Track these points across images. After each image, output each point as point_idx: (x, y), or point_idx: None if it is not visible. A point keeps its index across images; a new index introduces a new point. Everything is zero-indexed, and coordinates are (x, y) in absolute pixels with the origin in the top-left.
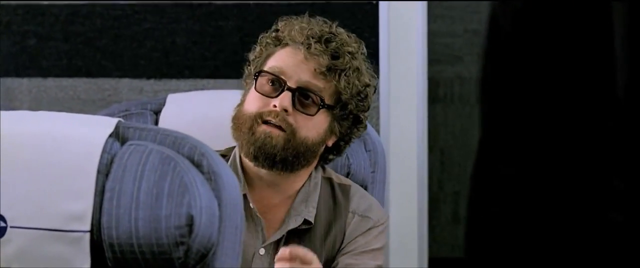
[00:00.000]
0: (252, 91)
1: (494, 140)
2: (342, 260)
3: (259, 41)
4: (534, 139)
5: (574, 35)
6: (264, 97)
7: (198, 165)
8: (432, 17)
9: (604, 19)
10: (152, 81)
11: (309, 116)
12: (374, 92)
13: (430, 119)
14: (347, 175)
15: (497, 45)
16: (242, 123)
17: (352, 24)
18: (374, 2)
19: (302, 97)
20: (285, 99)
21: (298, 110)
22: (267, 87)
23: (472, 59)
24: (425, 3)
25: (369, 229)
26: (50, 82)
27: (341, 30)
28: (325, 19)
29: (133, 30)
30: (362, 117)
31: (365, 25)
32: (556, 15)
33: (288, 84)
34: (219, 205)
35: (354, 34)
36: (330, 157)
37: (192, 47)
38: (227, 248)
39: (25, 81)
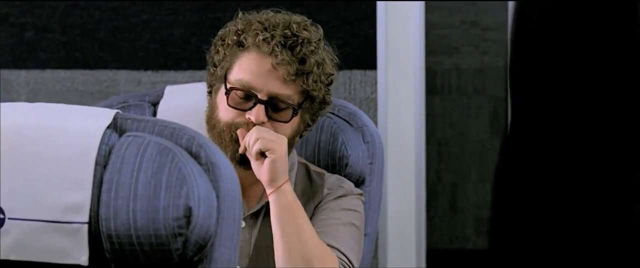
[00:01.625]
0: (224, 102)
1: (519, 133)
2: (316, 216)
3: (219, 40)
4: (558, 132)
5: (599, 25)
6: (237, 109)
7: (196, 157)
8: (429, 9)
9: (631, 7)
10: (150, 73)
11: (284, 122)
12: (337, 70)
13: (427, 110)
14: (345, 166)
15: (524, 36)
16: (220, 131)
17: (350, 16)
18: None
19: (275, 105)
20: (260, 113)
21: (272, 118)
22: (239, 100)
23: (469, 50)
24: None
25: (343, 195)
26: (48, 73)
27: (299, 21)
28: (283, 12)
29: (131, 22)
30: (327, 99)
31: (364, 17)
32: (584, 5)
33: (259, 96)
34: (217, 196)
35: (309, 20)
36: (303, 134)
37: (190, 39)
38: (225, 239)
39: (23, 73)
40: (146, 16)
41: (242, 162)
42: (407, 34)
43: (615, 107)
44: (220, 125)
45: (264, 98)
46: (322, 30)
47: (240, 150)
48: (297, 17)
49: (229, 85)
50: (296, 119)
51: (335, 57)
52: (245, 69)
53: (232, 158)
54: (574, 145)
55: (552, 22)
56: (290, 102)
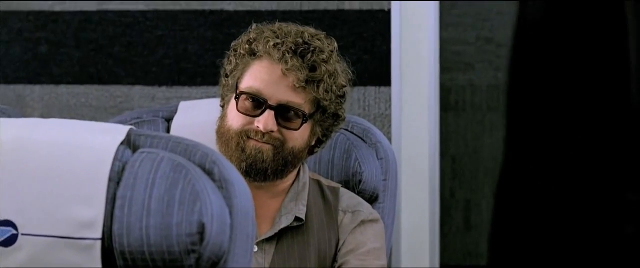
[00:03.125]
0: (234, 109)
1: (520, 152)
2: (348, 262)
3: (232, 50)
4: (551, 154)
5: (590, 49)
6: (247, 116)
7: (209, 173)
8: (444, 25)
9: (621, 32)
10: (164, 88)
11: (293, 130)
12: (350, 84)
13: (442, 127)
14: (359, 183)
15: (523, 56)
16: (228, 139)
17: (364, 31)
18: (387, 10)
19: (285, 113)
20: (269, 120)
21: (282, 125)
22: (249, 106)
23: (484, 67)
24: (437, 11)
25: (363, 222)
26: (62, 89)
27: (312, 32)
28: (296, 25)
29: (145, 37)
30: (340, 113)
31: (378, 33)
32: (581, 26)
33: (269, 102)
34: (231, 213)
35: (323, 33)
36: (315, 150)
37: (204, 55)
38: (238, 256)
39: (37, 88)
40: (160, 32)
41: (248, 173)
42: (422, 50)
43: (603, 128)
44: (229, 133)
45: (274, 104)
46: (336, 43)
47: None
48: (311, 29)
49: (239, 92)
50: (307, 130)
51: (350, 72)
52: (256, 76)
53: (238, 168)
54: (566, 169)
55: (549, 44)
56: (301, 110)
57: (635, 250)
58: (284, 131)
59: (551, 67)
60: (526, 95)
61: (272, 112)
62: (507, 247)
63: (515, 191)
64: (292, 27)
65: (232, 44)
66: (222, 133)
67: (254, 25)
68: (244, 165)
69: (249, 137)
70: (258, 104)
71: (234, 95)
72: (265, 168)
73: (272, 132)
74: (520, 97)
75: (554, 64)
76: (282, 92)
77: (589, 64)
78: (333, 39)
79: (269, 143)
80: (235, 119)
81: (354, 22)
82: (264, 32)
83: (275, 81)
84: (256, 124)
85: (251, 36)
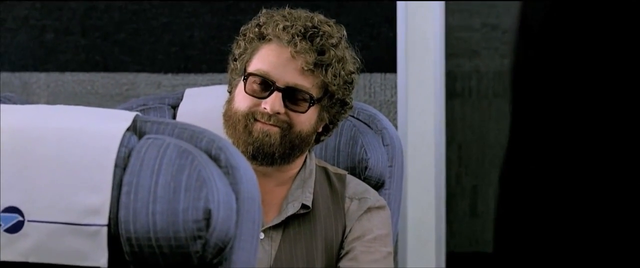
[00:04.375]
0: (242, 91)
1: (524, 137)
2: (354, 248)
3: (241, 35)
4: (561, 138)
5: (604, 30)
6: (254, 97)
7: (216, 159)
8: (450, 12)
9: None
10: (170, 75)
11: (300, 113)
12: (358, 73)
13: (447, 113)
14: (365, 169)
15: (527, 41)
16: (235, 122)
17: (370, 18)
18: None
19: (292, 95)
20: (276, 101)
21: (289, 108)
22: (256, 88)
23: (490, 54)
24: None
25: (369, 209)
26: (68, 76)
27: (322, 19)
28: (305, 10)
29: (151, 24)
30: (348, 100)
31: (384, 20)
32: (586, 11)
33: (276, 84)
34: (237, 199)
35: (333, 20)
36: (321, 138)
37: (210, 42)
38: (244, 242)
39: (43, 75)
40: (166, 19)
41: (255, 156)
42: (427, 36)
43: (615, 113)
44: (236, 115)
45: (282, 86)
46: (345, 31)
47: None
48: (321, 15)
49: (247, 73)
50: (314, 114)
51: (358, 60)
52: (264, 59)
53: (245, 152)
54: (574, 152)
55: (554, 29)
56: (308, 92)
57: None
58: (291, 114)
59: (557, 53)
60: (532, 78)
61: (280, 94)
62: (512, 233)
63: (520, 176)
64: (302, 12)
65: (242, 28)
66: (229, 116)
67: (263, 10)
68: (250, 148)
69: (255, 119)
70: (266, 85)
71: (242, 77)
72: (273, 152)
73: (279, 114)
74: (526, 81)
75: (562, 47)
76: (290, 74)
77: (598, 49)
78: (342, 26)
79: (276, 126)
80: (243, 101)
81: (359, 9)
82: (273, 16)
83: (283, 63)
84: (263, 106)
85: (261, 20)
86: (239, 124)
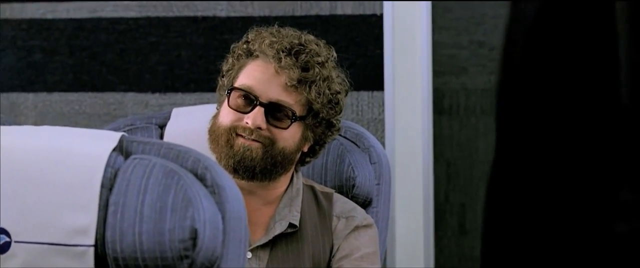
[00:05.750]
0: (226, 106)
1: (509, 153)
2: (342, 267)
3: (231, 52)
4: (543, 152)
5: (579, 48)
6: (237, 112)
7: (202, 179)
8: (437, 29)
9: (609, 29)
10: (157, 95)
11: (282, 129)
12: (346, 95)
13: (435, 131)
14: (353, 187)
15: (511, 59)
16: (218, 136)
17: (357, 36)
18: (379, 14)
19: (274, 111)
20: (257, 116)
21: (271, 124)
22: (240, 102)
23: (477, 70)
24: (430, 14)
25: (356, 228)
26: (56, 96)
27: (311, 38)
28: (294, 29)
29: (138, 44)
30: (334, 121)
31: (371, 38)
32: (569, 27)
33: (259, 99)
34: (223, 218)
35: (323, 41)
36: (307, 159)
37: (197, 61)
38: (231, 261)
39: (30, 96)
40: (154, 38)
41: (236, 170)
42: (414, 54)
43: (596, 125)
44: (219, 129)
45: (265, 101)
46: (335, 53)
47: None
48: (311, 35)
49: (231, 87)
50: (297, 132)
51: (346, 82)
52: (249, 74)
53: (226, 166)
54: (557, 165)
55: (537, 46)
56: (291, 109)
57: (627, 248)
58: (273, 130)
59: (541, 65)
60: (517, 92)
61: (262, 109)
62: (498, 247)
63: (506, 190)
64: (290, 30)
65: (232, 46)
66: (213, 130)
67: (253, 28)
68: (231, 161)
69: (237, 134)
70: (249, 100)
71: (227, 91)
72: (253, 166)
73: (261, 129)
74: (511, 95)
75: (545, 62)
76: (274, 90)
77: (578, 62)
78: (332, 47)
79: (257, 141)
80: (226, 116)
81: (346, 27)
82: (261, 33)
83: (267, 79)
84: (245, 120)
85: (249, 37)
86: (221, 139)
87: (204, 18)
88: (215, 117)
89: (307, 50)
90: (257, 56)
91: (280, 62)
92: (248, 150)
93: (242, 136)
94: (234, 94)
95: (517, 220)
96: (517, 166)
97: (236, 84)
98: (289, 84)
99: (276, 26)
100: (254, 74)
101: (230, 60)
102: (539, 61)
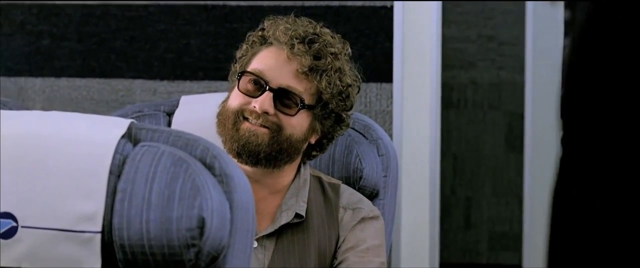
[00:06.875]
0: (236, 90)
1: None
2: (347, 258)
3: (246, 39)
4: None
5: None
6: (246, 95)
7: (210, 168)
8: (446, 22)
9: None
10: (165, 82)
11: (289, 116)
12: (358, 92)
13: (443, 124)
14: (360, 179)
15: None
16: (226, 119)
17: (366, 28)
18: (389, 6)
19: (283, 97)
20: (266, 101)
21: (279, 110)
22: (249, 87)
23: (486, 65)
24: (439, 8)
25: (363, 219)
26: (64, 82)
27: (326, 30)
28: (310, 20)
29: (147, 31)
30: (344, 115)
31: (380, 30)
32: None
33: (269, 84)
34: (231, 207)
35: (339, 35)
36: (314, 153)
37: (206, 49)
38: (238, 251)
39: (38, 81)
40: (163, 26)
41: (240, 154)
42: (424, 47)
43: None
44: (227, 112)
45: (274, 87)
46: (349, 48)
47: None
48: (326, 29)
49: (242, 71)
50: (305, 120)
51: (358, 78)
52: (262, 60)
53: (230, 149)
54: (626, 172)
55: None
56: (299, 96)
57: None
58: (281, 116)
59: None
60: (585, 101)
61: (271, 94)
62: (564, 257)
63: (572, 198)
64: (306, 20)
65: (248, 34)
66: (222, 113)
67: (270, 17)
68: (236, 145)
69: (244, 118)
70: (259, 85)
71: (237, 75)
72: (258, 152)
73: (268, 114)
74: (578, 104)
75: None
76: (284, 76)
77: None
78: (347, 42)
79: (264, 126)
80: (235, 99)
81: (356, 19)
82: (277, 21)
83: (279, 65)
84: (253, 104)
85: (265, 25)
86: (229, 121)
87: (214, 6)
88: (225, 101)
89: (321, 40)
90: (270, 43)
91: (293, 48)
92: (254, 135)
93: (248, 120)
94: (244, 78)
95: (582, 228)
96: (584, 172)
97: (248, 69)
98: (300, 70)
99: (292, 16)
100: (266, 60)
101: (244, 46)
102: (609, 65)
